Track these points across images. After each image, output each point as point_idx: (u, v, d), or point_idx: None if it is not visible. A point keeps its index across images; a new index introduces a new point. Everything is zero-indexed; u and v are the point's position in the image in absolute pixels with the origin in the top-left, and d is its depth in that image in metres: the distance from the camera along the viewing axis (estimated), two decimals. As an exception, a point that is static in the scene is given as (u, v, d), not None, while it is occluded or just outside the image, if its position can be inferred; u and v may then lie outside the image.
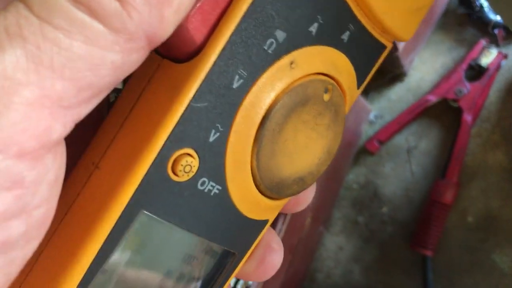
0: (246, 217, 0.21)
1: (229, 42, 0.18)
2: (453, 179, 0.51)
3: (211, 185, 0.20)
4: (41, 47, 0.13)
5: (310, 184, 0.22)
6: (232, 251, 0.22)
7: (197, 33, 0.18)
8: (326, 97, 0.21)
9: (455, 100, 0.53)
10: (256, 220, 0.22)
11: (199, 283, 0.23)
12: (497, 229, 0.49)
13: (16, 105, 0.13)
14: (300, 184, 0.22)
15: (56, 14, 0.13)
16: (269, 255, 0.24)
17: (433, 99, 0.55)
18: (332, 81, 0.21)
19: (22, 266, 0.16)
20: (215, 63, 0.18)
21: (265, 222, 0.23)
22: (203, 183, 0.19)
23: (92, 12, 0.14)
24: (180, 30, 0.17)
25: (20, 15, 0.13)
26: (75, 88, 0.14)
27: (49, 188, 0.15)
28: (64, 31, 0.13)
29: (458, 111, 0.53)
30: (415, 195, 0.53)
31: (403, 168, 0.53)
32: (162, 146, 0.18)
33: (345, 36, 0.21)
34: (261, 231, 0.23)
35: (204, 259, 0.22)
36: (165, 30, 0.16)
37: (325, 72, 0.20)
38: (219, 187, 0.20)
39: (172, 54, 0.18)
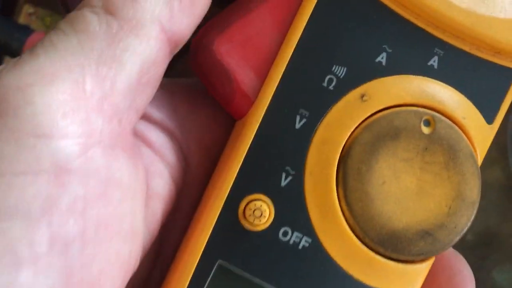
0: (360, 282, 0.19)
1: (279, 87, 0.19)
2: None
3: (297, 236, 0.19)
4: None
5: (447, 243, 0.19)
6: None
7: (248, 88, 0.19)
8: (426, 129, 0.19)
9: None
10: None
11: None
12: (497, 246, 0.50)
13: None
14: (429, 240, 0.19)
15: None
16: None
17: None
18: (430, 112, 0.19)
19: (161, 222, 0.19)
20: (270, 105, 0.19)
21: None
22: (285, 233, 0.19)
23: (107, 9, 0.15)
24: (228, 86, 0.19)
25: None
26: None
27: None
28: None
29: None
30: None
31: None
32: (230, 192, 0.18)
33: (434, 62, 0.19)
34: None
35: None
36: (178, 22, 0.17)
37: (415, 102, 0.19)
38: (308, 239, 0.19)
39: (233, 114, 0.19)
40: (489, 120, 0.20)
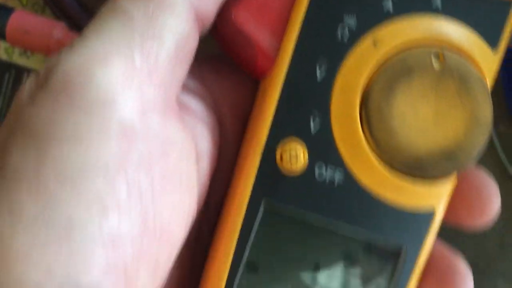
0: (393, 204, 0.21)
1: (297, 43, 0.20)
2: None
3: (331, 173, 0.21)
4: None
5: (467, 163, 0.21)
6: (396, 244, 0.21)
7: (268, 50, 0.21)
8: (437, 64, 0.21)
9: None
10: (412, 211, 0.21)
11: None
12: None
13: None
14: (451, 162, 0.21)
15: None
16: (455, 280, 0.22)
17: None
18: (439, 47, 0.21)
19: (209, 177, 0.21)
20: (292, 61, 0.20)
21: (429, 213, 0.21)
22: (320, 172, 0.21)
23: None
24: (250, 51, 0.21)
25: None
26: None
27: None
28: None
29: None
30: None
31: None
32: (266, 140, 0.21)
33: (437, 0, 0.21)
34: (428, 223, 0.21)
35: (366, 259, 0.22)
36: (205, 2, 0.19)
37: (424, 41, 0.21)
38: (341, 174, 0.21)
39: (258, 75, 0.21)
40: (494, 47, 0.21)
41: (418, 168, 0.21)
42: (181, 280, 0.22)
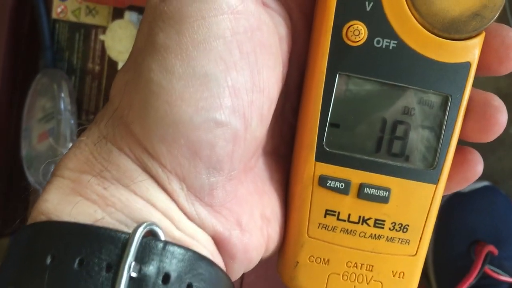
0: (438, 61, 0.25)
1: None
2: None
3: (386, 41, 0.25)
4: None
5: (491, 19, 0.25)
6: (444, 93, 0.26)
7: None
8: None
9: None
10: (453, 63, 0.26)
11: (428, 131, 0.27)
12: (509, 106, 0.55)
13: None
14: (478, 19, 0.25)
15: None
16: (491, 111, 0.26)
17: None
18: None
19: (288, 57, 0.27)
20: None
21: (466, 65, 0.26)
22: (378, 42, 0.25)
23: None
24: None
25: None
26: None
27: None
28: None
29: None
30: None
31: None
32: (333, 23, 0.25)
33: None
34: (467, 74, 0.26)
35: (422, 109, 0.26)
36: None
37: None
38: (394, 41, 0.25)
39: None
40: None
41: (454, 29, 0.25)
42: (274, 133, 0.29)
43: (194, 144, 0.23)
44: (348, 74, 0.26)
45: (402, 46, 0.25)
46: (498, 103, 0.27)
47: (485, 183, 0.52)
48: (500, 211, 0.51)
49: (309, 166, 0.27)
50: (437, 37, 0.25)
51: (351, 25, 0.25)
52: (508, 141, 0.55)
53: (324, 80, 0.26)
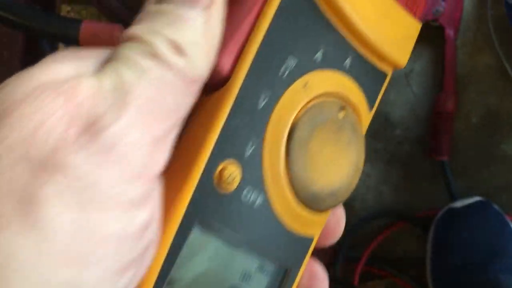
0: (290, 231, 0.24)
1: (250, 70, 0.22)
2: (450, 89, 0.57)
3: (254, 195, 0.23)
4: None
5: (342, 199, 0.25)
6: (284, 267, 0.25)
7: (225, 67, 0.22)
8: (340, 115, 0.24)
9: (434, 20, 0.59)
10: (301, 236, 0.25)
11: None
12: (500, 122, 0.56)
13: None
14: (333, 198, 0.25)
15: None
16: (315, 284, 0.27)
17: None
18: (343, 101, 0.25)
19: None
20: (241, 87, 0.22)
21: (310, 240, 0.25)
22: (246, 194, 0.22)
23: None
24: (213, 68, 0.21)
25: None
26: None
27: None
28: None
29: (441, 29, 0.58)
30: (421, 113, 0.57)
31: (405, 92, 0.57)
32: (208, 160, 0.21)
33: (347, 63, 0.25)
34: (309, 248, 0.25)
35: (259, 277, 0.24)
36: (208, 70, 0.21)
37: (336, 92, 0.24)
38: (261, 198, 0.23)
39: (205, 88, 0.22)
40: (370, 108, 0.26)
41: (313, 203, 0.24)
42: None
43: None
44: (208, 223, 0.22)
45: (265, 205, 0.23)
46: (321, 274, 0.28)
47: (478, 198, 0.53)
48: (494, 225, 0.52)
49: None
50: (299, 206, 0.24)
51: (227, 166, 0.22)
52: (500, 156, 0.57)
53: (177, 226, 0.22)
